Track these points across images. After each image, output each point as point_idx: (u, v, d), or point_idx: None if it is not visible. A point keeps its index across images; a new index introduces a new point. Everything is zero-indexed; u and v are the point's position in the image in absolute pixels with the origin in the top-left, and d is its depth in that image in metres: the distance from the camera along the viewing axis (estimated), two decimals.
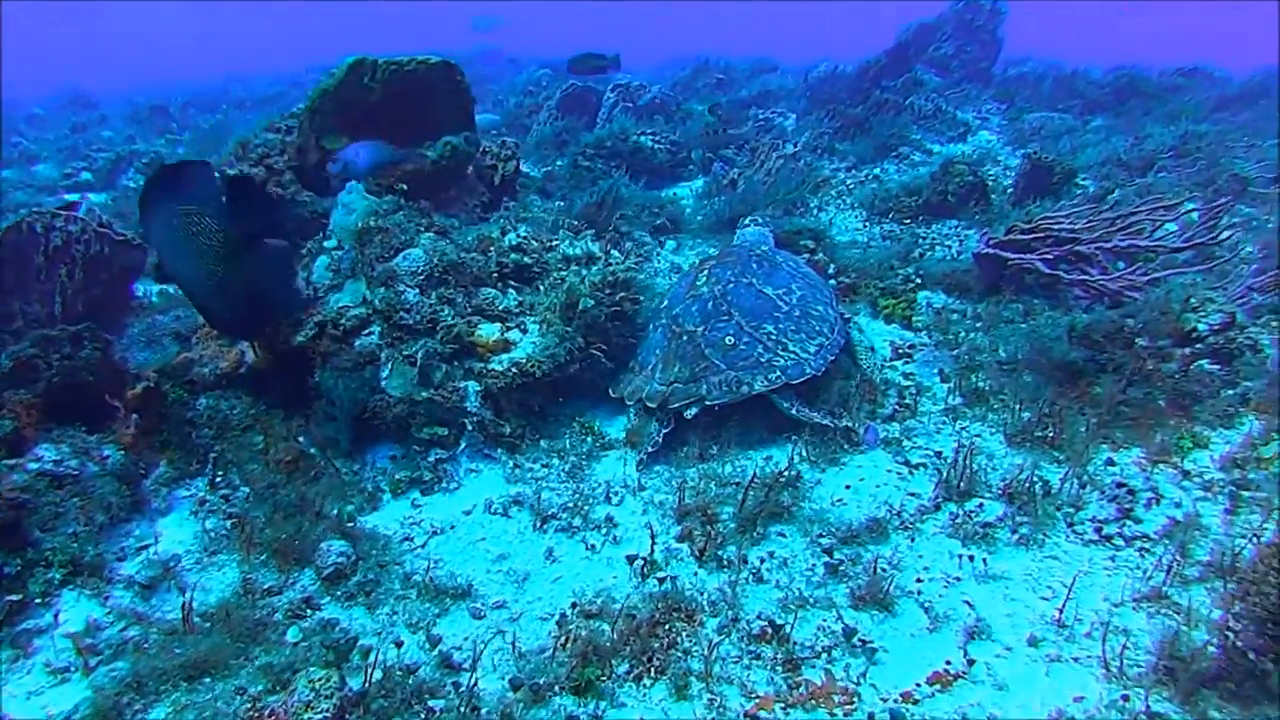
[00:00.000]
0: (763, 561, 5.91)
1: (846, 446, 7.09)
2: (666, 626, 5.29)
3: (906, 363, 8.41)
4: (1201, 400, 6.97)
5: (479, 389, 7.28)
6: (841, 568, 5.75)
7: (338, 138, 8.66)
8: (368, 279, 7.50)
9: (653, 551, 5.93)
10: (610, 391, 7.74)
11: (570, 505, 6.60)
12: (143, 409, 6.96)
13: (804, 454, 7.01)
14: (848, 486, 6.64)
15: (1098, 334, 7.39)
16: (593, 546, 6.18)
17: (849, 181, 13.56)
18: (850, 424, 7.13)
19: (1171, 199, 9.22)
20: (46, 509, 5.97)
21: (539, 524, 6.45)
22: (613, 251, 8.14)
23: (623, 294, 7.65)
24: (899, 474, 6.77)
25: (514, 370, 7.25)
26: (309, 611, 5.58)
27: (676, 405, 7.15)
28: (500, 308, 7.66)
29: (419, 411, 7.19)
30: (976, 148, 15.01)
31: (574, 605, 5.49)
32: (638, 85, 17.79)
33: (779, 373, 7.15)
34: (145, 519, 6.50)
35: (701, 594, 5.58)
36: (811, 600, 5.49)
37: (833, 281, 9.54)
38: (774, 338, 7.36)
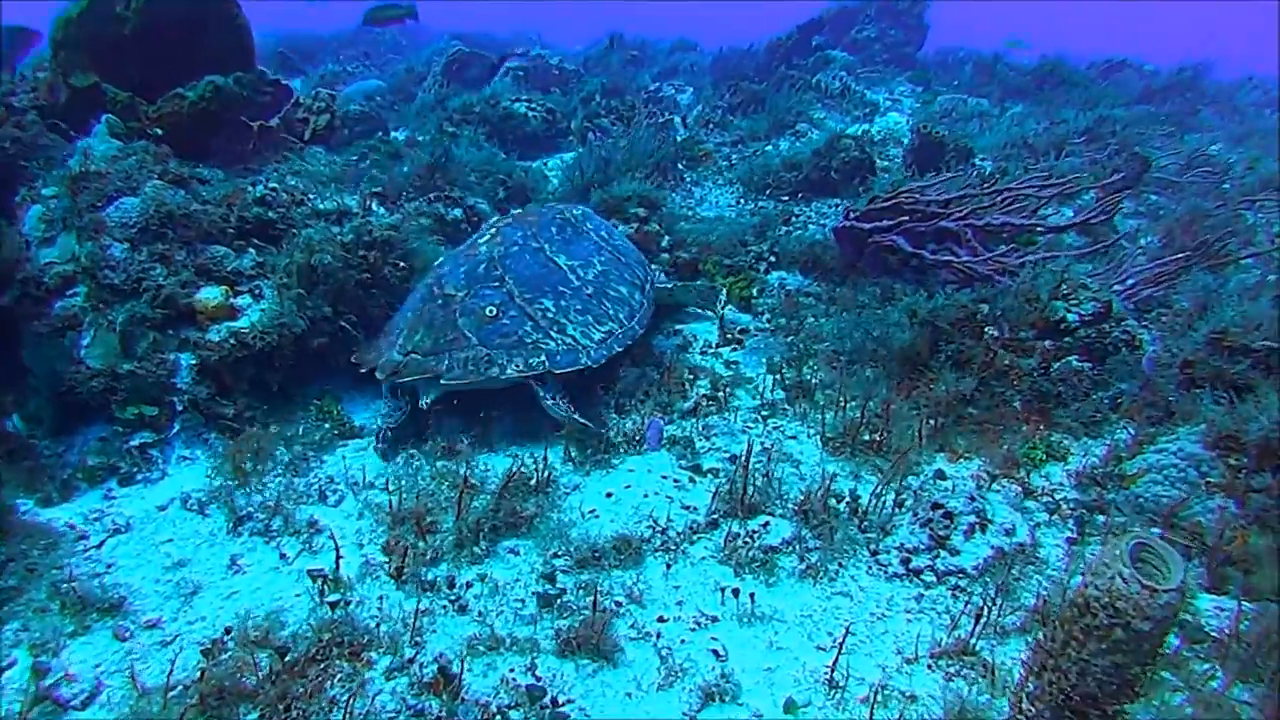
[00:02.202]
0: (470, 586, 4.71)
1: (624, 448, 5.88)
2: (324, 665, 4.18)
3: (735, 350, 7.21)
4: (1064, 403, 5.90)
5: (194, 362, 6.02)
6: (561, 600, 4.53)
7: (86, 74, 7.34)
8: (77, 231, 6.22)
9: (337, 566, 4.81)
10: (353, 358, 6.47)
11: (271, 504, 5.38)
12: None
13: (572, 453, 5.79)
14: (609, 495, 5.44)
15: (944, 320, 6.24)
16: (285, 556, 5.13)
17: (733, 157, 12.37)
18: (602, 430, 5.98)
19: (1068, 177, 8.03)
20: None
21: (234, 525, 5.37)
22: (375, 207, 6.86)
23: (380, 256, 6.38)
24: (677, 481, 5.57)
25: (232, 341, 5.99)
26: None
27: (408, 379, 5.91)
28: (229, 268, 6.39)
29: (121, 387, 5.92)
30: (883, 129, 13.89)
31: (228, 631, 4.42)
32: (535, 55, 16.53)
33: (543, 358, 5.93)
34: None
35: (383, 624, 4.43)
36: (508, 641, 4.30)
37: (666, 256, 8.32)
38: (550, 316, 6.15)
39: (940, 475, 5.41)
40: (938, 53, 21.04)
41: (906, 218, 7.67)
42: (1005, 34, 20.32)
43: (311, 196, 6.95)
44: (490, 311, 6.03)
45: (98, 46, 7.59)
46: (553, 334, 6.06)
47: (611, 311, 6.46)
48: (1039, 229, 7.35)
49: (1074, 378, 5.91)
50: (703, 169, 11.96)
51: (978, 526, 4.78)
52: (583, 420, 5.85)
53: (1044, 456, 5.50)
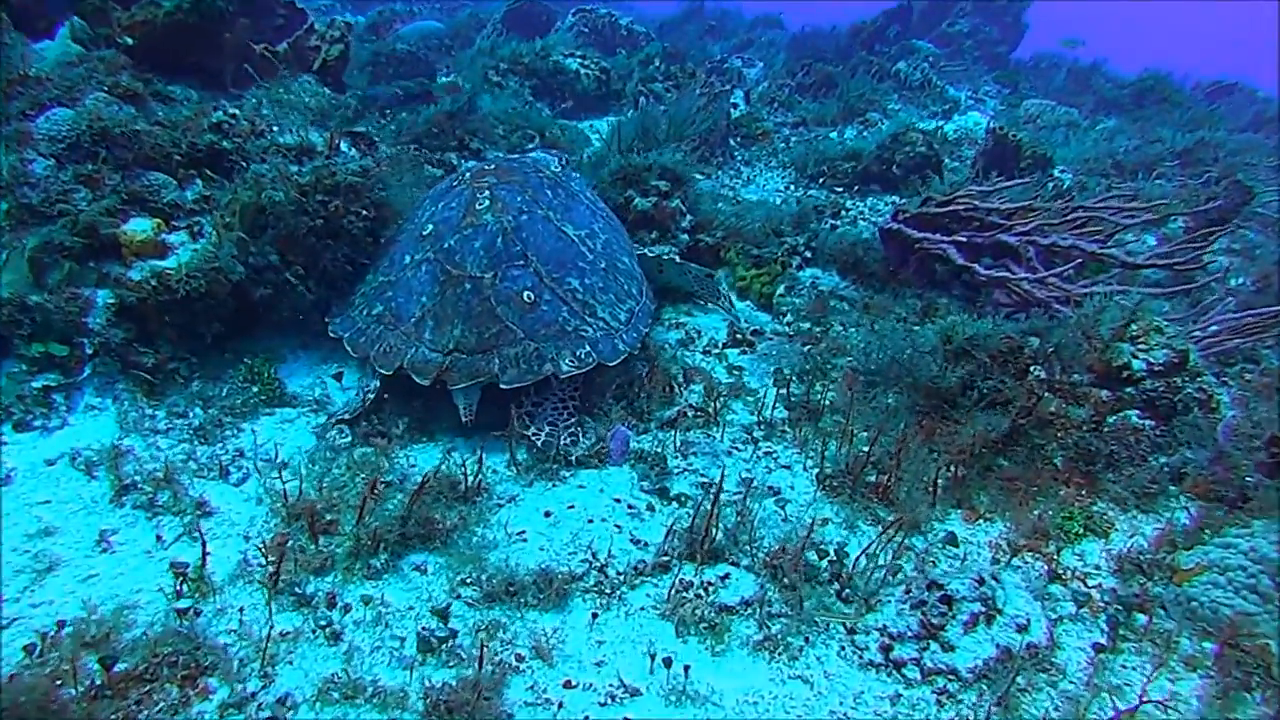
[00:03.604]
0: (349, 610, 3.89)
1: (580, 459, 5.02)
2: (150, 687, 3.44)
3: (742, 353, 6.30)
4: (1115, 466, 4.91)
5: (111, 301, 5.24)
6: (448, 644, 3.68)
7: None
8: (4, 140, 5.48)
9: (203, 563, 4.02)
10: (330, 329, 5.66)
11: (161, 475, 4.58)
12: None
13: (518, 457, 4.93)
14: (547, 514, 4.58)
15: (983, 351, 5.25)
16: (162, 539, 4.35)
17: (792, 139, 11.41)
18: (562, 438, 5.10)
19: (1155, 202, 6.96)
20: None
21: (117, 494, 4.60)
22: (344, 146, 6.01)
23: (340, 203, 5.55)
24: (632, 508, 4.69)
25: (154, 283, 5.18)
26: None
27: (461, 385, 5.05)
28: (167, 200, 5.59)
29: (27, 320, 5.17)
30: (960, 128, 12.81)
31: (60, 625, 3.63)
32: (605, 13, 15.63)
33: (589, 348, 5.20)
34: None
35: (236, 644, 3.66)
36: (370, 691, 3.46)
37: (685, 238, 7.40)
38: (579, 297, 5.38)
39: (951, 540, 4.48)
40: (1032, 56, 19.84)
41: (961, 225, 6.68)
42: (1079, 36, 19.10)
43: (275, 129, 6.10)
44: (529, 298, 5.21)
45: None
46: (587, 318, 5.30)
47: (626, 286, 5.72)
48: (1112, 259, 6.29)
49: (1131, 436, 4.93)
50: (757, 148, 11.03)
51: (983, 617, 3.84)
52: (525, 429, 5.03)
53: (1081, 529, 4.55)
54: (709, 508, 4.25)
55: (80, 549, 4.25)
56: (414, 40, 13.74)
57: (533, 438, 4.98)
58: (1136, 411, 5.04)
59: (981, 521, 4.68)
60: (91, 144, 5.48)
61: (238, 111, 6.03)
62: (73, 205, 5.33)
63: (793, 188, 10.04)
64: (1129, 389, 5.12)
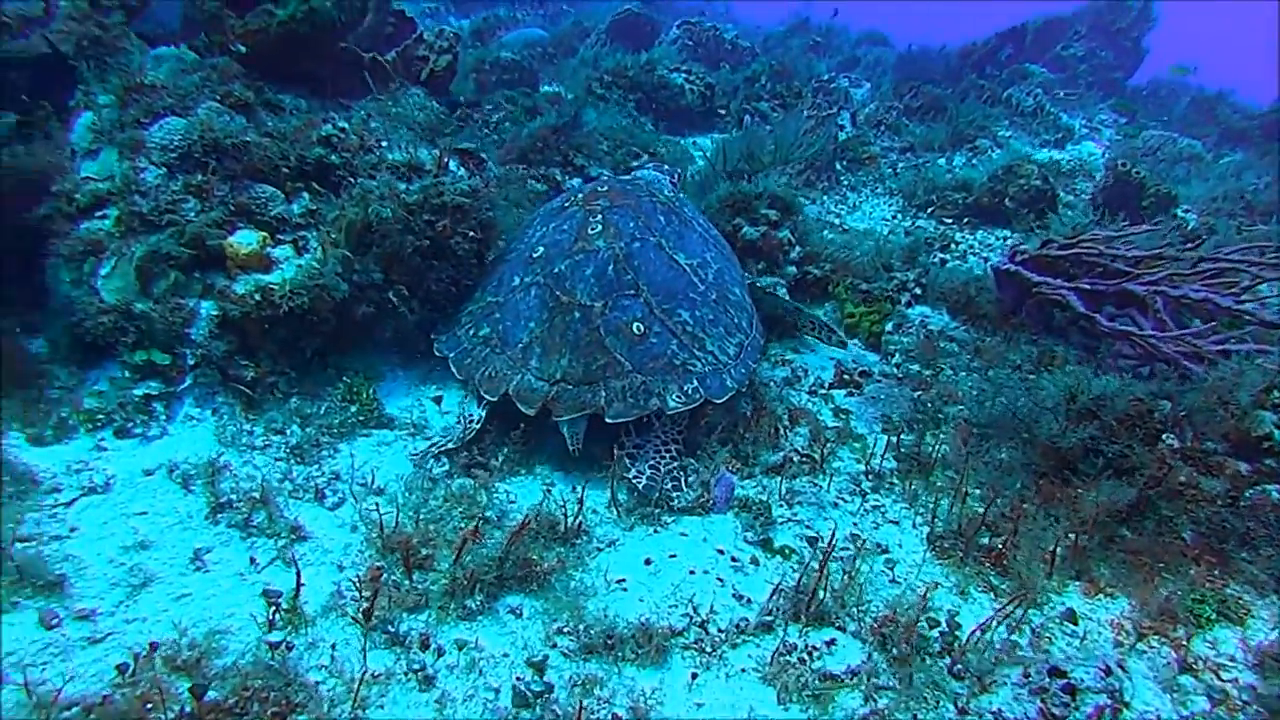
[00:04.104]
0: (443, 654, 3.77)
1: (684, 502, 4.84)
2: None
3: (849, 395, 6.08)
4: (1253, 546, 4.58)
5: (215, 313, 5.21)
6: (543, 700, 3.54)
7: None
8: (119, 147, 5.49)
9: (296, 594, 3.90)
10: (435, 347, 5.61)
11: (258, 495, 4.51)
12: None
13: (619, 498, 4.78)
14: (648, 562, 4.42)
15: (1110, 414, 4.98)
16: (255, 561, 4.28)
17: (899, 165, 11.12)
18: (665, 482, 4.92)
19: None
20: None
21: (213, 511, 4.54)
22: (452, 165, 5.92)
23: (447, 223, 5.46)
24: (735, 560, 4.50)
25: (257, 297, 5.13)
26: None
27: (566, 418, 4.96)
28: (274, 213, 5.54)
29: (133, 327, 5.17)
30: (1074, 159, 12.40)
31: (153, 647, 3.56)
32: (710, 27, 15.47)
33: (696, 383, 5.06)
34: None
35: (327, 681, 3.56)
36: None
37: (792, 270, 7.20)
38: (690, 330, 5.25)
39: (1071, 617, 4.21)
40: (1150, 82, 19.18)
41: (1083, 270, 6.39)
42: (1190, 63, 18.34)
43: (384, 144, 6.03)
44: (638, 329, 5.11)
45: None
46: (696, 352, 5.17)
47: (736, 319, 5.55)
48: (1248, 317, 5.95)
49: (1270, 514, 4.60)
50: (864, 173, 10.78)
51: (1109, 711, 3.59)
52: (629, 473, 4.88)
53: (1214, 615, 4.25)
54: (816, 567, 4.06)
55: (174, 566, 4.19)
56: (518, 48, 13.71)
57: (634, 480, 4.82)
58: (1277, 487, 4.71)
59: (1102, 596, 4.42)
60: (202, 154, 5.45)
61: (346, 125, 5.97)
62: (181, 215, 5.32)
63: (900, 216, 9.79)
64: (1269, 461, 4.81)
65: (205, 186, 5.40)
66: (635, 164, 8.76)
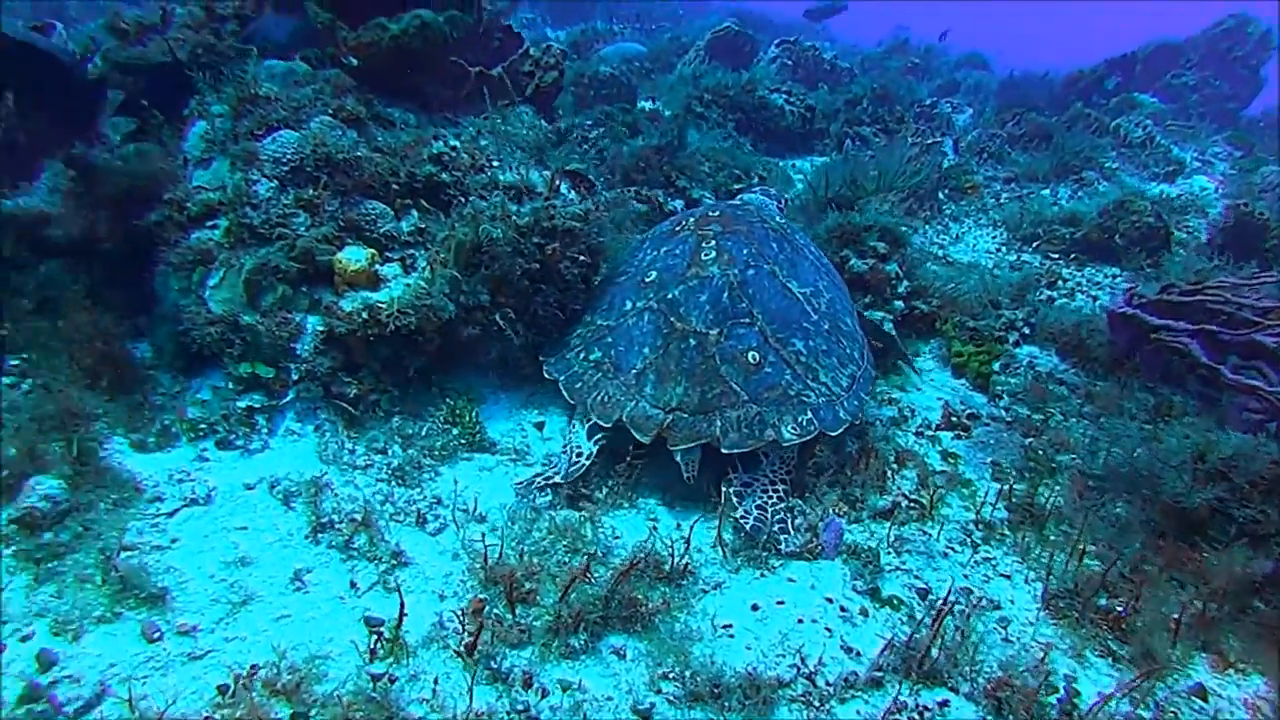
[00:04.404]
0: (546, 695, 3.68)
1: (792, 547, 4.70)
2: None
3: (956, 438, 5.89)
4: None
5: (321, 329, 5.18)
6: None
7: None
8: (231, 158, 5.50)
9: (399, 624, 3.83)
10: (545, 370, 5.54)
11: (359, 516, 4.45)
12: None
13: (724, 537, 4.65)
14: (755, 607, 4.28)
15: (1242, 476, 4.74)
16: (356, 585, 4.22)
17: (1003, 195, 10.85)
18: (772, 524, 4.77)
19: None
20: None
21: (314, 531, 4.51)
22: (563, 188, 5.84)
23: (557, 247, 5.39)
24: (844, 610, 4.34)
25: (365, 315, 5.10)
26: None
27: (682, 446, 4.87)
28: (383, 230, 5.52)
29: (238, 339, 5.18)
30: (1185, 194, 12.00)
31: (254, 669, 3.56)
32: (809, 46, 15.31)
33: (810, 415, 4.95)
34: None
35: (427, 715, 3.50)
36: None
37: (899, 304, 7.02)
38: (804, 360, 5.15)
39: (1199, 693, 3.99)
40: (1264, 113, 18.47)
41: (1206, 318, 6.14)
42: None
43: (495, 164, 5.98)
44: (753, 358, 5.02)
45: None
46: (810, 383, 5.07)
47: (848, 349, 5.45)
48: None
49: None
50: (966, 202, 10.54)
51: None
52: (737, 514, 4.75)
53: None
54: (930, 622, 3.91)
55: (274, 585, 4.16)
56: (616, 62, 13.67)
57: (741, 520, 4.70)
58: None
59: (1233, 672, 4.19)
60: (314, 169, 5.44)
61: (458, 143, 5.93)
62: (292, 229, 5.31)
63: (1004, 249, 9.53)
64: None
65: (316, 201, 5.39)
66: (737, 187, 8.65)
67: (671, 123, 10.05)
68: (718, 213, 5.83)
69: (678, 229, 5.76)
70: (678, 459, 4.89)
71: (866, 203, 8.23)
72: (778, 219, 6.08)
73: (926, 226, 9.75)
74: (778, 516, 4.75)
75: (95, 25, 7.88)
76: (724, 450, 4.80)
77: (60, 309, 5.41)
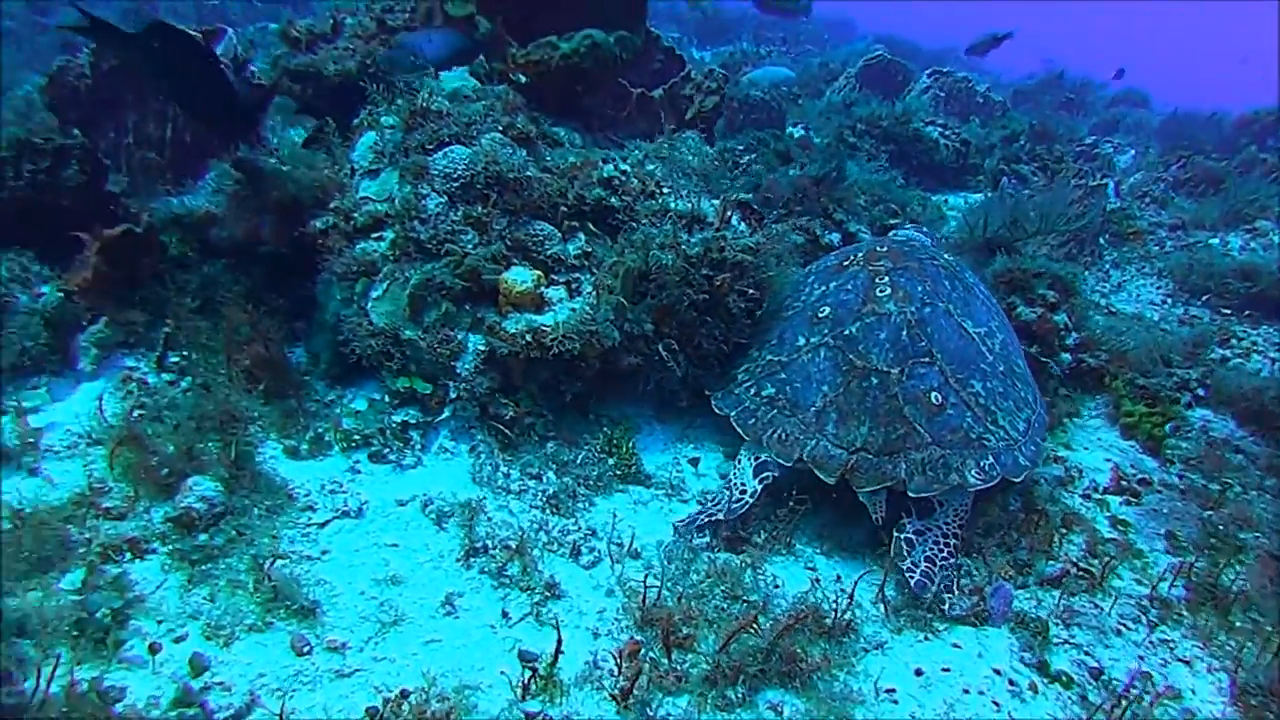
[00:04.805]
0: None
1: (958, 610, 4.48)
2: None
3: (1126, 504, 5.59)
4: None
5: (482, 348, 5.13)
6: None
7: (466, 3, 6.60)
8: (401, 171, 5.50)
9: (554, 661, 3.73)
10: (715, 405, 5.39)
11: (514, 544, 4.38)
12: (114, 253, 5.45)
13: (888, 594, 4.45)
14: (919, 673, 4.07)
15: None
16: (508, 615, 4.15)
17: (1168, 243, 10.36)
18: (938, 580, 4.56)
19: None
20: None
21: (466, 555, 4.45)
22: (734, 219, 5.71)
23: (728, 279, 5.27)
24: (1012, 683, 4.10)
25: (529, 338, 5.03)
26: (123, 557, 4.06)
27: (868, 489, 4.71)
28: (550, 252, 5.46)
29: (397, 353, 5.17)
30: None
31: (403, 694, 3.53)
32: (961, 78, 14.97)
33: (993, 459, 4.77)
34: (63, 377, 5.24)
35: None
36: None
37: (1066, 357, 6.71)
38: (982, 402, 4.97)
39: None
40: None
41: None
42: None
43: (665, 190, 5.88)
44: (935, 399, 4.85)
45: None
46: (990, 426, 4.88)
47: (1023, 393, 5.24)
48: None
49: None
50: (1128, 249, 10.07)
51: None
52: (912, 570, 4.55)
53: None
54: (1110, 710, 3.66)
55: (425, 607, 4.12)
56: (766, 87, 13.52)
57: (908, 574, 4.50)
58: None
59: None
60: (485, 186, 5.40)
61: (628, 168, 5.84)
62: (459, 246, 5.27)
63: (1169, 301, 9.08)
64: None
65: (485, 219, 5.34)
66: (892, 222, 8.41)
67: (828, 153, 9.84)
68: (885, 248, 5.68)
69: (846, 263, 5.62)
70: (863, 499, 4.71)
71: (1025, 245, 7.94)
72: (946, 256, 5.87)
73: (1087, 273, 9.35)
74: (945, 574, 4.54)
75: (253, 29, 8.04)
76: (910, 494, 4.63)
77: (221, 309, 5.48)
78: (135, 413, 4.92)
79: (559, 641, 3.75)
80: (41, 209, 5.47)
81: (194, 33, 5.69)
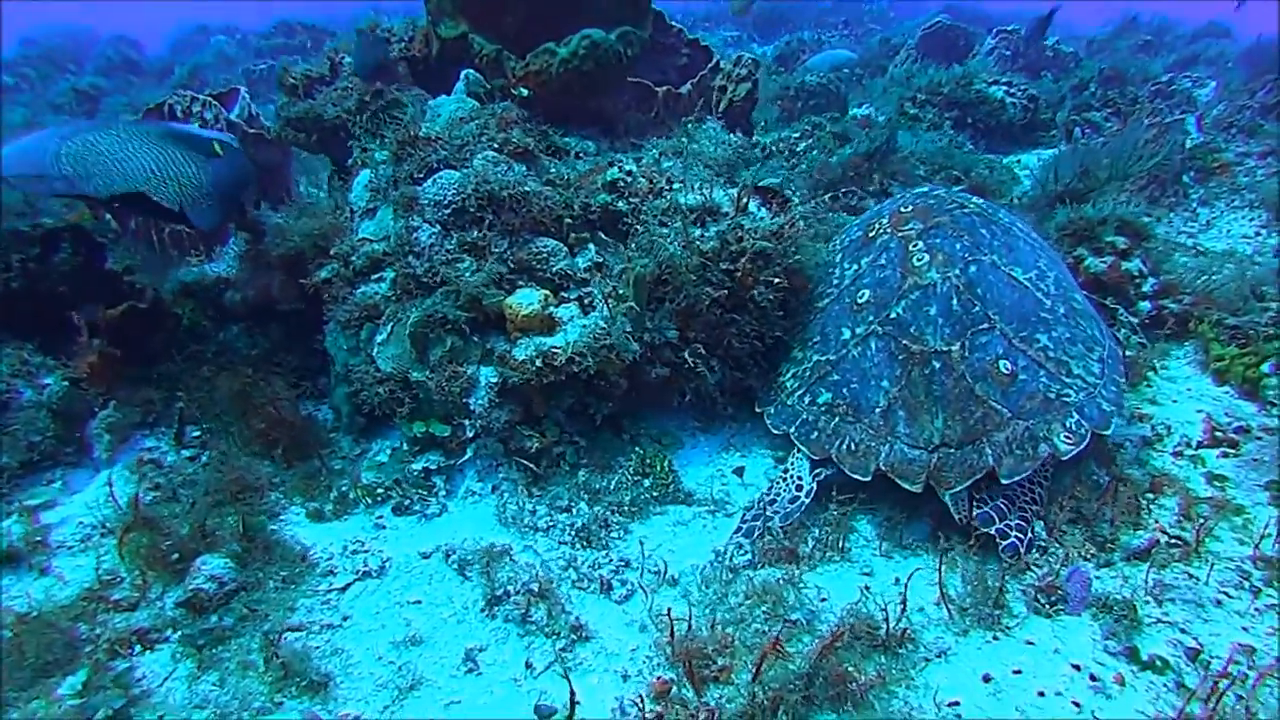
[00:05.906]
0: None
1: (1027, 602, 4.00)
2: None
3: (1223, 457, 5.01)
4: None
5: (494, 380, 4.83)
6: None
7: (455, 23, 6.32)
8: (393, 205, 5.26)
9: (571, 716, 3.41)
10: (769, 422, 4.99)
11: (536, 587, 4.06)
12: (118, 333, 5.35)
13: (950, 595, 3.98)
14: (987, 679, 3.59)
15: None
16: (531, 666, 3.81)
17: (1259, 172, 9.60)
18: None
19: None
20: None
21: (489, 603, 4.14)
22: (752, 206, 5.30)
23: (750, 269, 4.88)
24: (1095, 678, 3.58)
25: (539, 363, 4.71)
26: (132, 650, 3.84)
27: (956, 489, 4.26)
28: (556, 268, 5.11)
29: (407, 397, 4.91)
30: None
31: None
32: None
33: (1078, 417, 4.32)
34: (80, 467, 5.11)
35: None
36: None
37: (1145, 305, 6.15)
38: (1052, 355, 4.51)
39: None
40: None
41: None
42: None
43: (676, 186, 5.50)
44: (1005, 368, 4.40)
45: None
46: (1065, 379, 4.44)
47: (1088, 329, 4.77)
48: None
49: None
50: (1216, 184, 9.35)
51: None
52: (1006, 543, 4.15)
53: None
54: (1206, 696, 3.15)
55: (445, 666, 3.85)
56: (823, 71, 13.13)
57: (998, 538, 4.11)
58: None
59: None
60: (478, 209, 5.09)
61: (634, 168, 5.50)
62: (456, 275, 4.98)
63: (1264, 232, 8.38)
64: None
65: (481, 243, 5.04)
66: (958, 189, 7.93)
67: (882, 127, 9.41)
68: (909, 207, 5.18)
69: (871, 234, 5.15)
70: (946, 501, 4.27)
71: (1101, 194, 7.37)
72: (974, 199, 5.36)
73: (1172, 215, 8.71)
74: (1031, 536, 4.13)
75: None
76: (1004, 481, 4.17)
77: (234, 374, 5.36)
78: (149, 495, 4.76)
79: (572, 695, 3.41)
80: (38, 297, 5.33)
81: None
